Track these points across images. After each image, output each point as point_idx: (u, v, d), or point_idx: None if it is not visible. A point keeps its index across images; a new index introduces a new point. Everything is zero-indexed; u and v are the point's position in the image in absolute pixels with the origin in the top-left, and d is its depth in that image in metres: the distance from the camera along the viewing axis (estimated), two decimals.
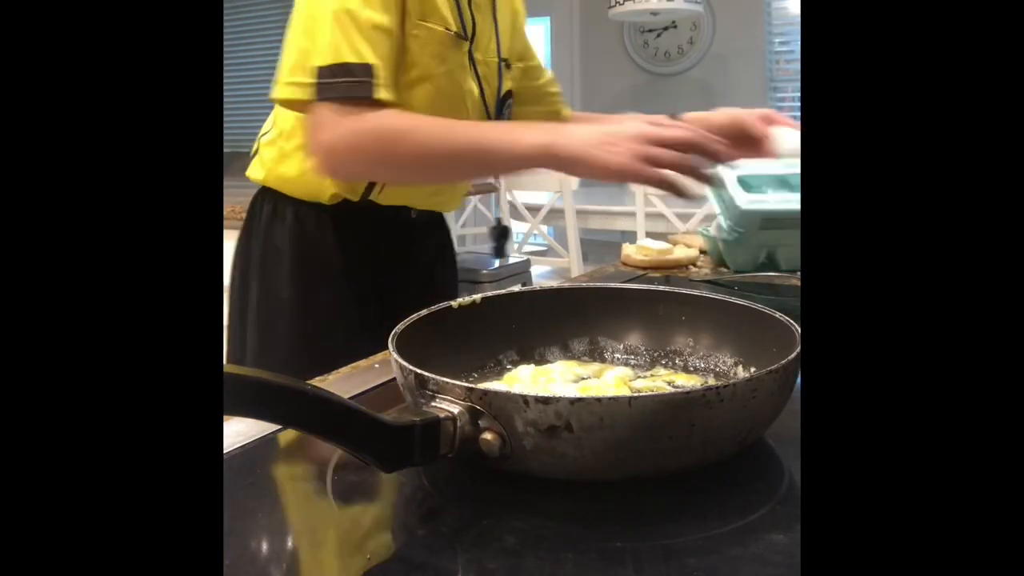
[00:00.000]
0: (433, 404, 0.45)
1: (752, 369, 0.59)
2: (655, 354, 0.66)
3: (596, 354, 0.66)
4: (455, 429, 0.43)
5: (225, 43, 3.23)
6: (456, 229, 3.14)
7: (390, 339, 0.53)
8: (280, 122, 0.99)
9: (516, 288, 0.68)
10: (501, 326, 0.65)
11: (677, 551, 0.40)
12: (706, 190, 1.17)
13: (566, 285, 0.77)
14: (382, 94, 0.82)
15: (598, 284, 0.72)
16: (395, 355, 0.50)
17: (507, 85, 1.06)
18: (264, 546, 0.42)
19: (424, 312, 0.59)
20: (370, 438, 0.41)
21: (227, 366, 0.35)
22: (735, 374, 0.61)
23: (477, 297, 0.64)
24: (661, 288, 0.68)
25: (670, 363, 0.65)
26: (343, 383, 0.66)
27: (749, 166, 1.15)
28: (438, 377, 0.46)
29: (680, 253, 1.19)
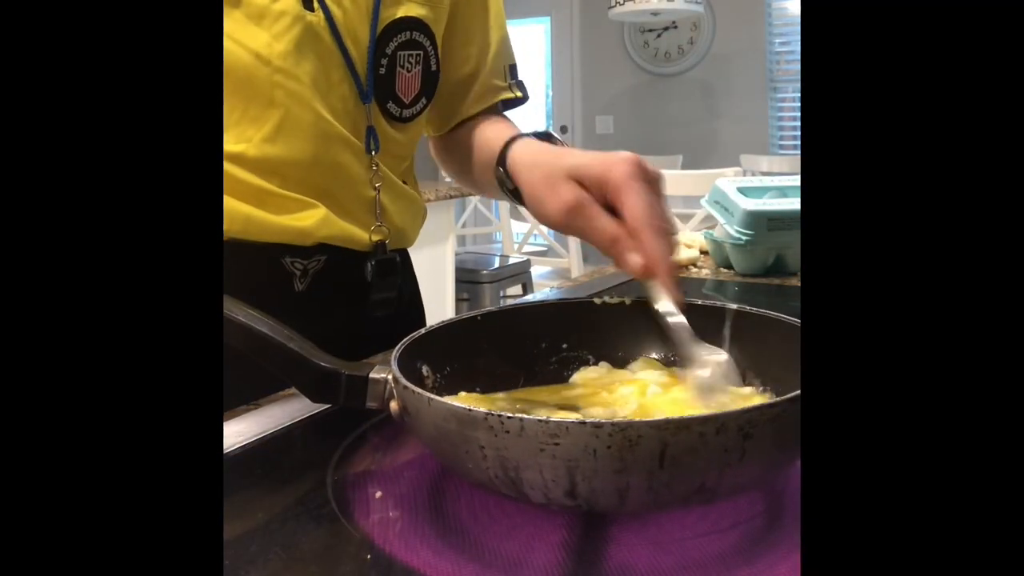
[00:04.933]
0: (382, 367, 0.50)
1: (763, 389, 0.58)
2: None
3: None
4: (385, 390, 0.49)
5: None
6: (456, 229, 3.13)
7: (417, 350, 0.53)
8: None
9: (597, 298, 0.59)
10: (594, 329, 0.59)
11: (672, 552, 0.40)
12: (703, 202, 1.17)
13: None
14: None
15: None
16: (410, 366, 0.50)
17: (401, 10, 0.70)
18: (264, 546, 0.42)
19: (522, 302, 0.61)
20: (301, 372, 0.50)
21: None
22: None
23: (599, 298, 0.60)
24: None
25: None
26: None
27: (745, 180, 1.16)
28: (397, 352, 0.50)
29: (680, 254, 1.19)
